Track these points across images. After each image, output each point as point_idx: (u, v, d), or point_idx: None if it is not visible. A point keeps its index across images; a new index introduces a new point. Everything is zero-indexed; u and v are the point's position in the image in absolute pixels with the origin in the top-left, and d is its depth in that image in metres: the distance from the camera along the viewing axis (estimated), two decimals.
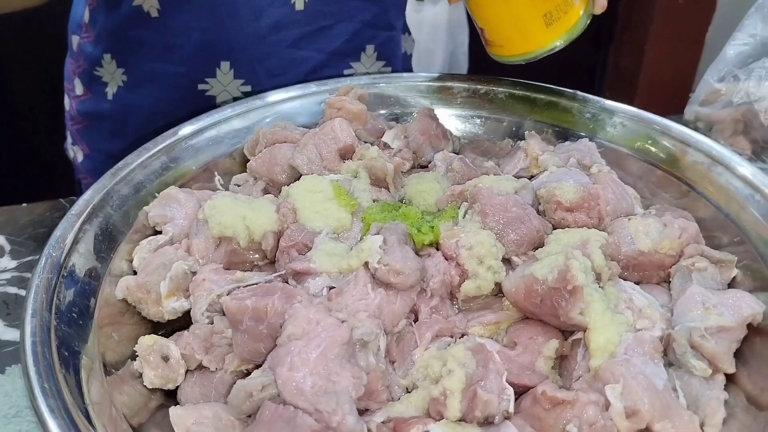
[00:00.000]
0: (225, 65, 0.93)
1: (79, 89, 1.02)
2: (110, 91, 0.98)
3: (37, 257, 0.60)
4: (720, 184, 0.72)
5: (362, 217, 0.66)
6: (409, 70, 1.13)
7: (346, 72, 0.99)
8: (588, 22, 0.74)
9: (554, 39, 0.73)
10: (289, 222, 0.66)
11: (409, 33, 1.13)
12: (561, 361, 0.59)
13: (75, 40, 1.00)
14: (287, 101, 0.86)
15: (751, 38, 1.00)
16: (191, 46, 0.92)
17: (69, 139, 1.10)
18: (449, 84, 0.90)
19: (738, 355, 0.57)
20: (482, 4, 0.74)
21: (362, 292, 0.58)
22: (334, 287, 0.59)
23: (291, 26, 0.93)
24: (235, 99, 0.93)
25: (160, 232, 0.69)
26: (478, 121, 0.88)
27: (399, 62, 1.07)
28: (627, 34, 2.15)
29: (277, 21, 0.92)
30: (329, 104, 0.80)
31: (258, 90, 0.91)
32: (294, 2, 0.91)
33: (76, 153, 1.08)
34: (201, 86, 0.95)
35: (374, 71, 1.01)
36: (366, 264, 0.59)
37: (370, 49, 1.00)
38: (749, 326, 0.58)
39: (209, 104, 0.95)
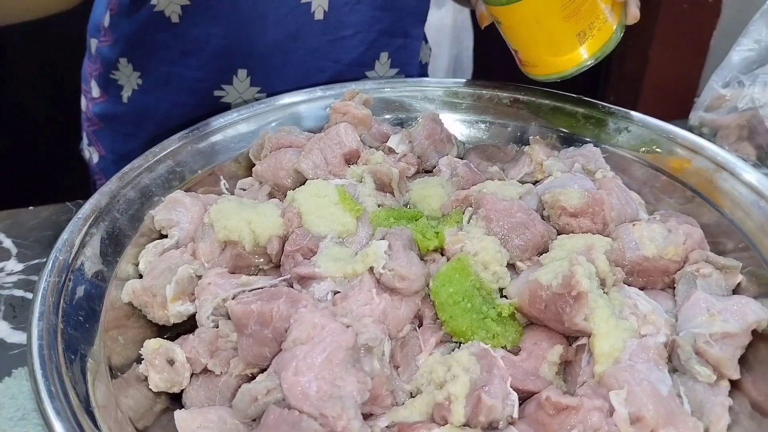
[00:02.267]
0: (242, 73, 0.93)
1: (95, 91, 1.03)
2: (125, 93, 0.99)
3: (44, 260, 0.61)
4: (725, 190, 0.72)
5: (371, 219, 0.67)
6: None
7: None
8: (622, 34, 0.76)
9: (588, 56, 0.75)
10: (294, 226, 0.66)
11: (426, 41, 1.10)
12: (565, 366, 0.59)
13: (93, 43, 1.01)
14: (292, 105, 0.86)
15: (756, 44, 1.00)
16: (209, 53, 0.92)
17: (85, 140, 1.10)
18: (454, 88, 0.90)
19: (743, 361, 0.57)
20: (516, 27, 0.75)
21: (367, 297, 0.58)
22: (339, 292, 0.59)
23: (309, 36, 0.92)
24: None
25: (166, 236, 0.70)
26: (482, 125, 0.88)
27: (414, 71, 1.05)
28: (631, 39, 2.14)
29: (296, 30, 0.91)
30: (334, 109, 0.80)
31: None
32: (314, 12, 0.90)
33: (91, 154, 1.09)
34: (217, 92, 0.95)
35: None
36: (371, 269, 0.59)
37: (384, 56, 0.99)
38: (754, 332, 0.58)
39: (224, 110, 0.95)
